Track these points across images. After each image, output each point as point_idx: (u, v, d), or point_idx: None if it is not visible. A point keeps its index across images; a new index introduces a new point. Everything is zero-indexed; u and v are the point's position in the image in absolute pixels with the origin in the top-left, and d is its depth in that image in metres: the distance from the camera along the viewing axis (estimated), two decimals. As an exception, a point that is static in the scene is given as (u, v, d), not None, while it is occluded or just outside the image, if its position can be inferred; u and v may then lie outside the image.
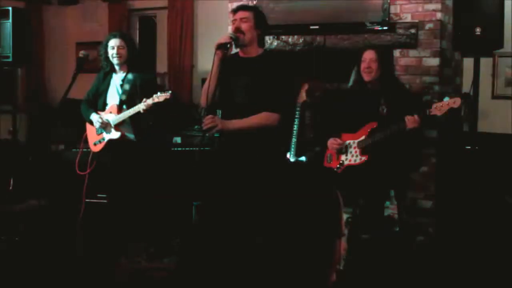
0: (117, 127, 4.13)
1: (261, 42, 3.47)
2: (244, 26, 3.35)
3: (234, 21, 3.40)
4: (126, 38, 4.22)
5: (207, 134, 3.36)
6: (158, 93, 3.93)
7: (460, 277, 3.76)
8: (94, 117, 4.17)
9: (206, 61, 5.97)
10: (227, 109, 3.43)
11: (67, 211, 4.67)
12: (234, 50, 3.55)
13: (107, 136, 4.18)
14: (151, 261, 4.24)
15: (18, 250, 4.27)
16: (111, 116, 4.14)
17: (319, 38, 4.71)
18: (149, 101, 3.92)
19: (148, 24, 6.90)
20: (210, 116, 3.31)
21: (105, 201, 4.53)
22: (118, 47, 4.11)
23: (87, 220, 4.34)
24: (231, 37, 3.34)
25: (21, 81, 6.64)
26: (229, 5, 5.12)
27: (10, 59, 5.13)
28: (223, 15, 5.36)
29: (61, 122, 5.84)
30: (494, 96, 4.99)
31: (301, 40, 4.80)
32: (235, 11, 3.44)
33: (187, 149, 4.83)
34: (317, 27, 4.62)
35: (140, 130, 4.17)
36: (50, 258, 4.09)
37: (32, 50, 5.90)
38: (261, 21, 3.44)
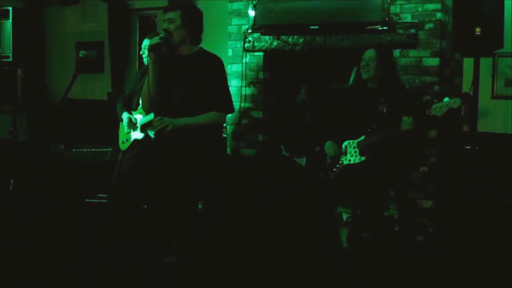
0: (144, 127, 4.15)
1: (194, 39, 3.47)
2: (171, 27, 3.38)
3: (164, 21, 3.43)
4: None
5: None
6: None
7: (459, 277, 3.76)
8: (125, 116, 4.21)
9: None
10: (163, 108, 3.45)
11: (67, 211, 4.67)
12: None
13: (133, 136, 4.20)
14: (152, 261, 4.24)
15: (18, 250, 4.28)
16: (139, 116, 4.16)
17: (319, 38, 4.71)
18: None
19: (148, 24, 6.90)
20: (158, 118, 3.34)
21: (105, 201, 4.53)
22: (145, 47, 4.17)
23: (87, 220, 4.34)
24: (161, 38, 3.36)
25: (21, 81, 6.64)
26: (229, 5, 5.12)
27: (10, 59, 5.13)
28: (223, 15, 5.36)
29: (61, 122, 5.84)
30: (494, 96, 4.99)
31: (301, 40, 4.80)
32: (163, 11, 3.46)
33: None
34: (317, 27, 4.62)
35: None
36: (50, 258, 4.10)
37: (32, 50, 5.91)
38: (190, 19, 3.44)
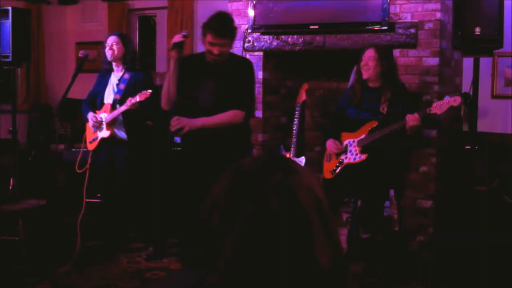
0: (109, 125, 4.18)
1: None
2: (223, 50, 3.35)
3: (212, 44, 3.34)
4: (122, 36, 4.30)
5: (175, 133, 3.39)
6: (143, 92, 3.96)
7: (460, 277, 3.76)
8: (89, 115, 4.25)
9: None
10: (192, 112, 3.45)
11: (67, 211, 4.67)
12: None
13: (100, 135, 4.23)
14: (151, 261, 4.25)
15: (18, 250, 4.27)
16: (104, 114, 4.19)
17: (318, 38, 4.71)
18: (132, 100, 3.96)
19: (148, 24, 6.89)
20: (175, 117, 3.34)
21: (101, 200, 4.53)
22: (112, 44, 4.19)
23: (87, 220, 4.34)
24: (184, 36, 3.36)
25: (21, 81, 6.64)
26: (229, 5, 5.12)
27: (10, 59, 5.12)
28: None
29: (61, 122, 5.84)
30: (494, 96, 4.99)
31: (300, 40, 4.79)
32: (216, 35, 3.34)
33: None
34: (317, 27, 4.62)
35: (132, 129, 4.20)
36: (50, 258, 4.09)
37: (32, 50, 5.89)
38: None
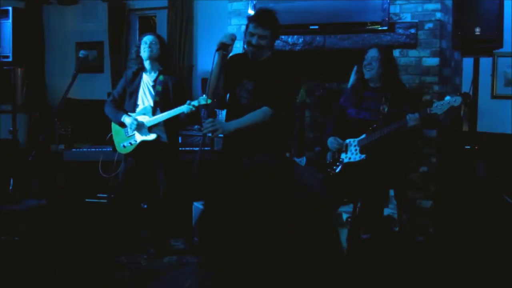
0: (152, 128, 4.10)
1: (272, 47, 3.52)
2: (262, 43, 3.40)
3: (251, 34, 3.41)
4: (160, 37, 4.23)
5: (209, 135, 3.38)
6: (204, 96, 3.89)
7: (460, 277, 3.76)
8: (127, 119, 4.09)
9: (206, 61, 5.97)
10: (233, 111, 3.48)
11: (67, 211, 4.67)
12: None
13: (139, 138, 4.11)
14: (151, 261, 4.25)
15: (18, 250, 4.28)
16: (145, 117, 4.09)
17: (319, 38, 4.71)
18: (194, 103, 3.91)
19: (148, 24, 6.90)
20: (210, 120, 3.35)
21: (105, 201, 4.53)
22: (151, 42, 4.11)
23: (87, 220, 4.34)
24: (233, 39, 3.38)
25: (21, 81, 6.64)
26: (229, 5, 5.12)
27: (10, 59, 5.14)
28: (223, 15, 5.36)
29: (61, 122, 5.85)
30: (494, 96, 5.00)
31: (301, 40, 4.80)
32: (254, 23, 3.41)
33: (186, 149, 4.82)
34: (317, 27, 4.63)
35: (173, 131, 4.15)
36: (50, 258, 4.10)
37: (32, 50, 5.90)
38: (276, 36, 3.52)
